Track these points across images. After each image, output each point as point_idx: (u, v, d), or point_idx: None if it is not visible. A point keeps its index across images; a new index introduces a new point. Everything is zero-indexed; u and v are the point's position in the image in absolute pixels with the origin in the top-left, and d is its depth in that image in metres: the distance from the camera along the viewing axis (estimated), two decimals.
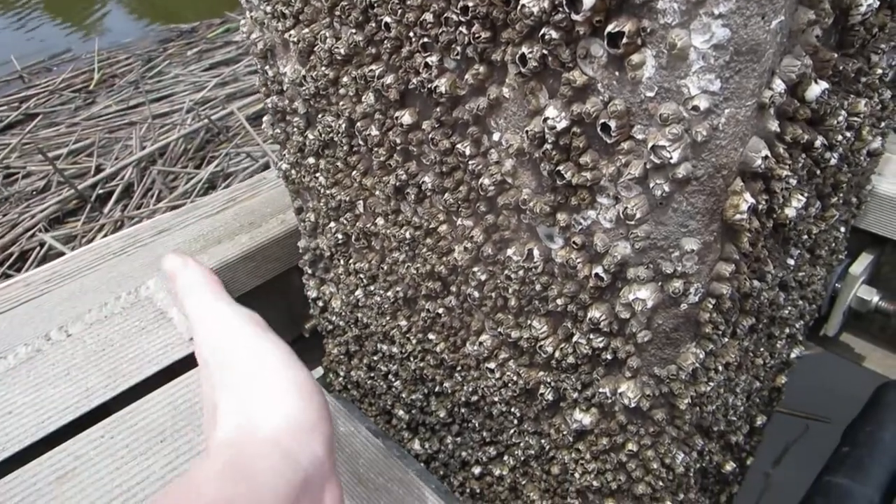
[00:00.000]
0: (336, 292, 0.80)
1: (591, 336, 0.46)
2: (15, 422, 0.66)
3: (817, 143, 0.41)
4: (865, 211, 0.90)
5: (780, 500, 1.36)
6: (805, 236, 0.54)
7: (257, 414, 0.36)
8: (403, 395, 0.77)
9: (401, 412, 0.80)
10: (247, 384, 0.38)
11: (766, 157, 0.35)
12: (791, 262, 0.54)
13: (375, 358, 0.78)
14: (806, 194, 0.45)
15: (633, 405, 0.47)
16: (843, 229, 0.70)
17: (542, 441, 0.59)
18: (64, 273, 0.84)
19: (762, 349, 0.62)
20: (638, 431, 0.50)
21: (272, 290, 0.94)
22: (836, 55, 0.37)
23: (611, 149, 0.38)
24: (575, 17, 0.35)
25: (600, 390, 0.49)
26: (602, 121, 0.37)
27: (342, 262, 0.73)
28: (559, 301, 0.47)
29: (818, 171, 0.47)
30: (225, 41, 3.39)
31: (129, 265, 0.85)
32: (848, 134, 0.49)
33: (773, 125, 0.35)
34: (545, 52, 0.38)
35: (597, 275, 0.43)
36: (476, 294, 0.54)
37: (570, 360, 0.49)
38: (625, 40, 0.34)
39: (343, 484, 0.58)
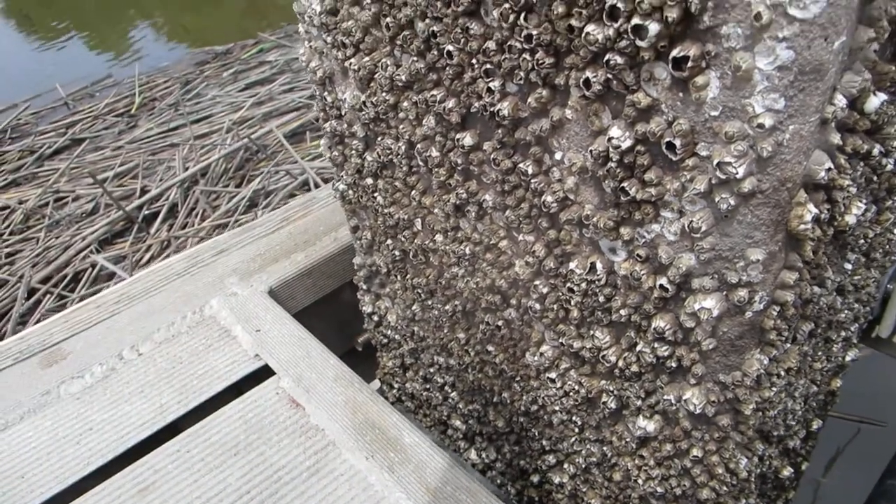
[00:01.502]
0: (392, 307, 0.82)
1: (656, 345, 0.48)
2: (96, 437, 0.70)
3: (875, 151, 0.42)
4: None
5: None
6: (862, 240, 0.55)
7: None
8: (460, 406, 0.79)
9: (457, 422, 0.82)
10: None
11: (829, 169, 0.36)
12: (848, 266, 0.55)
13: (432, 370, 0.81)
14: (865, 201, 0.46)
15: (698, 411, 0.48)
16: (895, 231, 0.70)
17: (605, 448, 0.60)
18: (132, 294, 0.88)
19: (820, 353, 0.63)
20: (703, 437, 0.51)
21: (325, 305, 0.97)
22: (893, 68, 0.38)
23: (675, 165, 0.40)
24: (640, 43, 0.37)
25: (665, 397, 0.50)
26: (667, 139, 0.39)
27: (399, 277, 0.75)
28: (623, 312, 0.48)
29: (875, 178, 0.48)
30: (259, 61, 3.47)
31: (192, 285, 0.89)
32: None
33: (836, 138, 0.37)
34: (609, 76, 0.40)
35: (661, 286, 0.44)
36: (537, 306, 0.56)
37: (634, 368, 0.51)
38: (690, 64, 0.36)
39: (412, 493, 0.60)
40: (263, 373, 0.75)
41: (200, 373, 0.77)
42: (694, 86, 0.36)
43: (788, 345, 0.49)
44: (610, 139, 0.41)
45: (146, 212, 2.32)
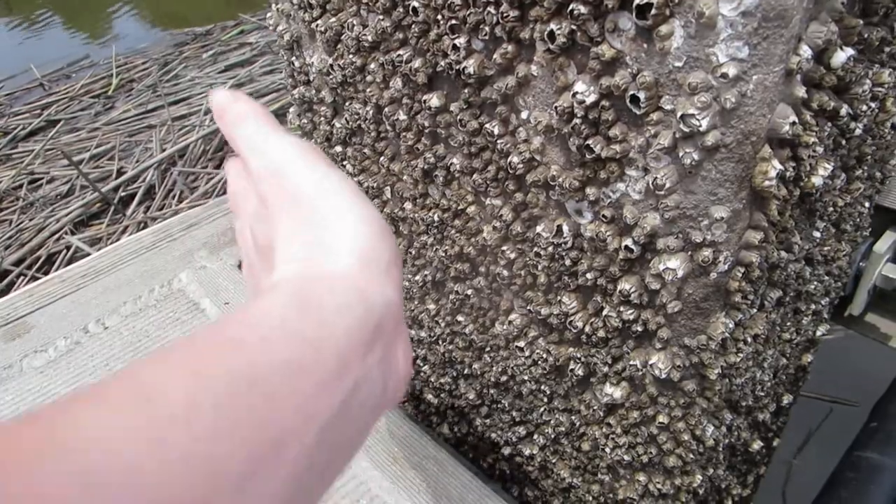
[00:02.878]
0: None
1: (622, 309, 0.47)
2: None
3: (842, 111, 0.42)
4: (889, 188, 0.90)
5: (804, 487, 1.35)
6: (830, 209, 0.55)
7: (325, 248, 0.31)
8: (432, 380, 0.78)
9: (429, 396, 0.81)
10: (312, 216, 0.33)
11: (793, 124, 0.36)
12: (817, 234, 0.55)
13: None
14: (832, 164, 0.46)
15: (663, 376, 0.48)
16: (867, 204, 0.70)
17: (573, 418, 0.60)
18: (99, 268, 0.87)
19: (788, 324, 0.62)
20: (668, 403, 0.51)
21: None
22: (861, 22, 0.38)
23: (640, 120, 0.39)
24: None
25: (631, 363, 0.50)
26: (631, 93, 0.38)
27: None
28: (589, 275, 0.48)
29: (843, 142, 0.48)
30: (239, 43, 3.42)
31: (161, 259, 0.87)
32: (872, 104, 0.49)
33: (800, 91, 0.36)
34: (574, 27, 0.39)
35: (626, 247, 0.44)
36: (505, 273, 0.56)
37: (601, 334, 0.50)
38: (653, 12, 0.35)
39: (379, 463, 0.60)
40: None
41: (167, 346, 0.75)
42: (658, 35, 0.36)
43: (755, 310, 0.49)
44: (574, 94, 0.40)
45: (122, 193, 2.29)
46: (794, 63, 0.34)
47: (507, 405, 0.68)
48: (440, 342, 0.71)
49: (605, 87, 0.39)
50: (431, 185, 0.59)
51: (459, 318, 0.66)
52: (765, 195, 0.39)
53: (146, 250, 0.89)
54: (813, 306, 0.69)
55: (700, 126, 0.36)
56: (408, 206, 0.63)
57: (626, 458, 0.57)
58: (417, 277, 0.68)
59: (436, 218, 0.60)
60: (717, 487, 0.72)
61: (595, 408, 0.56)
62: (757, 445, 0.74)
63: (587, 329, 0.51)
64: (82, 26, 4.35)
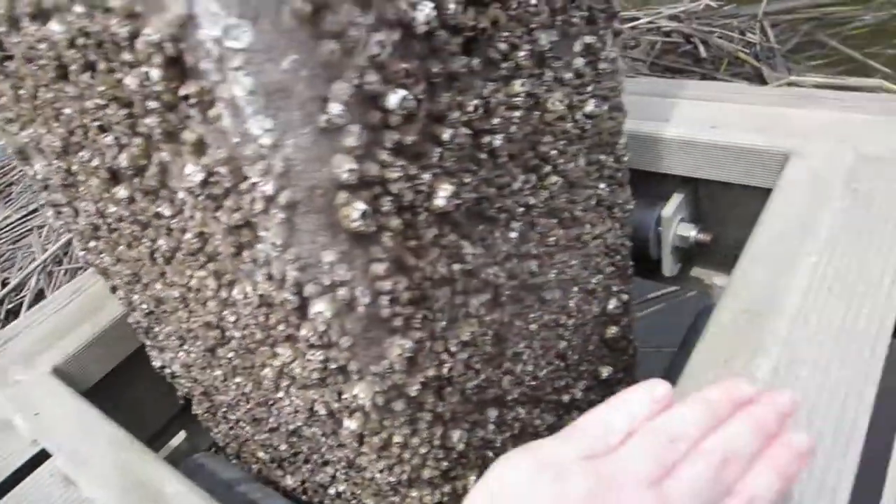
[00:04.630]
0: (175, 356, 0.83)
1: (313, 351, 0.50)
2: None
3: (446, 136, 0.46)
4: (661, 156, 0.95)
5: None
6: (521, 209, 0.59)
7: None
8: (256, 437, 0.80)
9: (260, 453, 0.83)
10: None
11: (352, 170, 0.40)
12: (513, 235, 0.59)
13: (224, 409, 0.82)
14: (468, 180, 0.50)
15: (368, 403, 0.51)
16: (603, 185, 0.75)
17: (346, 451, 0.63)
18: None
19: (533, 315, 0.67)
20: (393, 424, 0.54)
21: (136, 367, 0.96)
22: (402, 65, 0.42)
23: (238, 189, 0.42)
24: (157, 88, 0.39)
25: (344, 396, 0.53)
26: (216, 168, 0.41)
27: (158, 328, 0.76)
28: (280, 327, 0.51)
29: (484, 156, 0.52)
30: None
31: None
32: (516, 113, 0.54)
33: (352, 140, 0.40)
34: (157, 119, 0.42)
35: (286, 299, 0.47)
36: (237, 334, 0.58)
37: (315, 375, 0.53)
38: (195, 100, 0.38)
39: None
40: (41, 457, 0.75)
41: None
42: (213, 118, 0.39)
43: (444, 323, 0.53)
44: (187, 175, 0.44)
45: (9, 305, 2.23)
46: (324, 121, 0.38)
47: (307, 450, 0.71)
48: (239, 403, 0.74)
49: (203, 166, 0.42)
50: (165, 264, 0.62)
51: (238, 379, 0.68)
52: (363, 233, 0.43)
53: None
54: (575, 289, 0.73)
55: (267, 191, 0.39)
56: (158, 285, 0.65)
57: (391, 479, 0.60)
58: (198, 349, 0.70)
59: (177, 294, 0.62)
60: None
61: (350, 440, 0.59)
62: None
63: (304, 373, 0.54)
64: None
